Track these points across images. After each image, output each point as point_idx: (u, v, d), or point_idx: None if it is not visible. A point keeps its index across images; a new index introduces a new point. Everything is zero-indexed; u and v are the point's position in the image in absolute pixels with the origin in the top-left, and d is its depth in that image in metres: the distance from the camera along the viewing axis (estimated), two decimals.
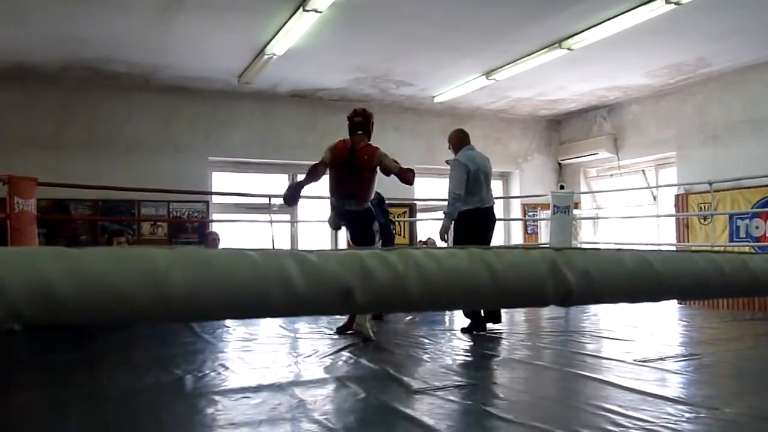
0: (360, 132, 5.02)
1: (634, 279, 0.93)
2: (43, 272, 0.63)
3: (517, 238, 10.56)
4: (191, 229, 8.51)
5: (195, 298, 0.70)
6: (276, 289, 0.73)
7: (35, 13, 5.69)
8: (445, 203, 5.73)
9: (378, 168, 4.96)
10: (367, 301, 0.75)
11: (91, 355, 4.66)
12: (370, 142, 5.10)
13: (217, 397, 3.20)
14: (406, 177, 4.88)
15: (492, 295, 0.82)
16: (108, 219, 7.96)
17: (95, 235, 7.84)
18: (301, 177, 5.18)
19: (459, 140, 5.63)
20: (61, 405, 3.18)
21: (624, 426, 2.58)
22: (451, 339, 5.07)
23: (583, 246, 5.73)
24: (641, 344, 4.66)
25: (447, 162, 5.54)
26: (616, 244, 9.48)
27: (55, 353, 4.80)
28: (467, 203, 5.31)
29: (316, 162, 5.03)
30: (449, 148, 5.71)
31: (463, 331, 5.33)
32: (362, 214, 5.04)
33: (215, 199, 8.64)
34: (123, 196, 7.73)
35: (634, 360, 3.98)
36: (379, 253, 0.78)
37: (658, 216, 9.13)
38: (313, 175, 4.99)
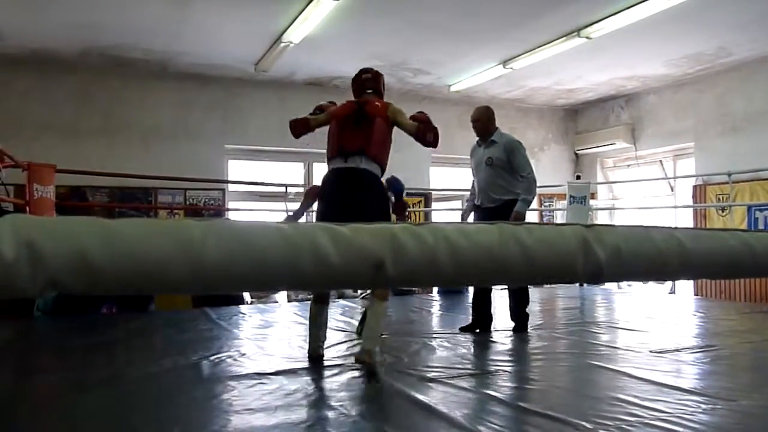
0: (370, 91, 4.05)
1: (664, 256, 0.92)
2: (80, 242, 0.64)
3: None
4: (207, 217, 8.58)
5: (229, 269, 0.70)
6: (308, 261, 0.73)
7: (53, 0, 5.72)
8: (461, 193, 5.52)
9: (393, 126, 3.93)
10: (398, 274, 0.76)
11: (110, 339, 4.71)
12: None
13: (233, 383, 3.23)
14: (425, 137, 3.81)
15: (522, 270, 0.82)
16: (125, 206, 8.02)
17: None
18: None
19: (492, 120, 4.98)
20: (80, 388, 3.22)
21: (640, 416, 2.57)
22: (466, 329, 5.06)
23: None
24: (657, 335, 4.64)
25: (494, 141, 4.94)
26: None
27: (74, 337, 4.85)
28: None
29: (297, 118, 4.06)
30: (475, 127, 4.99)
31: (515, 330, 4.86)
32: (371, 176, 3.76)
33: (231, 187, 8.68)
34: (140, 183, 7.78)
35: (650, 351, 3.96)
36: (409, 227, 0.79)
37: (676, 207, 9.06)
38: (295, 129, 4.03)
